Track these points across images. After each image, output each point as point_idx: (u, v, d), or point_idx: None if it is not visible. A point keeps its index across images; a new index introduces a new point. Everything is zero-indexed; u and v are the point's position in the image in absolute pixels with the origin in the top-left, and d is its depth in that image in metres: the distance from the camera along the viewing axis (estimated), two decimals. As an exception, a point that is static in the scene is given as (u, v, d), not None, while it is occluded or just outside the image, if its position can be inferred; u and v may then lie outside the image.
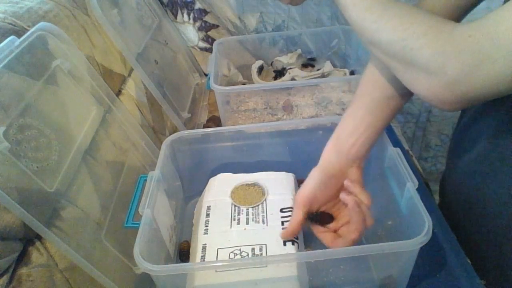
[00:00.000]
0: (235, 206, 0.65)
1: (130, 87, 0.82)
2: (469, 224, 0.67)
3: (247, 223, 0.62)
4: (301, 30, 1.07)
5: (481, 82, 0.38)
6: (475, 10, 0.98)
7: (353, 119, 0.56)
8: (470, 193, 0.62)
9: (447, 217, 0.68)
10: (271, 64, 1.06)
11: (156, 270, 0.47)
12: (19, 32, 0.57)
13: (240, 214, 0.63)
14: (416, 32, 0.41)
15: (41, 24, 0.58)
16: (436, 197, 0.77)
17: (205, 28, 1.12)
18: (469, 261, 0.61)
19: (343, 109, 0.88)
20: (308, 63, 1.04)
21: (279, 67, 1.02)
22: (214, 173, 0.73)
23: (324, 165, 0.57)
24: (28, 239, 0.49)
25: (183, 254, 0.65)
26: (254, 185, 0.68)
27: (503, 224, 0.61)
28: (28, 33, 0.55)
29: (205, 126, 0.99)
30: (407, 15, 0.42)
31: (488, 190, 0.58)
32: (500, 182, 0.55)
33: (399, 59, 0.43)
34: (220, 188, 0.69)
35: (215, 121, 0.99)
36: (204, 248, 0.58)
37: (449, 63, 0.39)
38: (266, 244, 0.57)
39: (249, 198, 0.66)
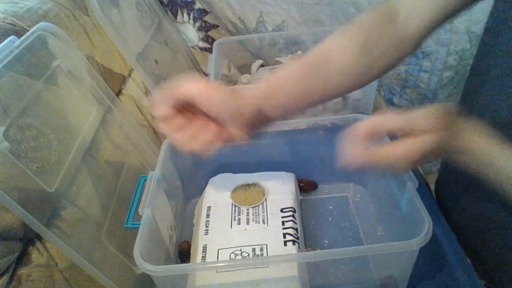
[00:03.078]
0: (235, 206, 0.65)
1: (130, 87, 0.82)
2: (468, 224, 0.67)
3: (248, 223, 0.62)
4: (301, 30, 1.07)
5: None
6: (473, 9, 0.98)
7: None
8: (468, 192, 0.62)
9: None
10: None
11: (156, 270, 0.47)
12: (19, 32, 0.57)
13: (241, 214, 0.63)
14: None
15: (41, 24, 0.58)
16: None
17: (205, 28, 1.12)
18: (469, 261, 0.61)
19: (343, 108, 0.88)
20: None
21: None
22: (214, 173, 0.73)
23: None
24: (28, 239, 0.49)
25: (183, 254, 0.65)
26: (254, 185, 0.68)
27: (503, 223, 0.61)
28: (28, 33, 0.55)
29: (205, 126, 0.98)
30: None
31: (487, 189, 0.58)
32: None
33: None
34: (220, 188, 0.69)
35: (215, 121, 0.99)
36: (204, 249, 0.58)
37: None
38: (266, 244, 0.57)
39: (249, 198, 0.66)
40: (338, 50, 0.52)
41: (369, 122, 0.43)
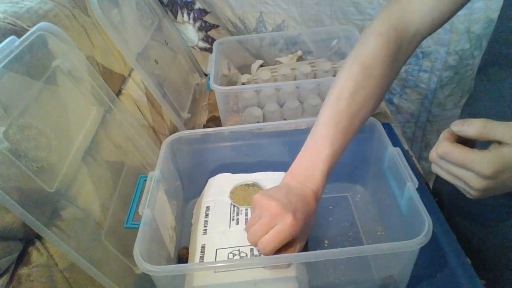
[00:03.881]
0: (234, 206, 0.65)
1: (130, 87, 0.82)
2: (468, 224, 0.68)
3: (246, 223, 0.61)
4: (301, 30, 1.07)
5: None
6: (473, 9, 0.98)
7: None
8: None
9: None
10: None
11: (156, 270, 0.47)
12: (19, 32, 0.57)
13: (239, 214, 0.63)
14: None
15: (41, 24, 0.58)
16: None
17: (205, 28, 1.12)
18: (469, 261, 0.61)
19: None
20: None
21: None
22: (214, 173, 0.73)
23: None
24: (28, 239, 0.49)
25: (182, 261, 0.64)
26: (254, 185, 0.68)
27: (503, 223, 0.61)
28: (28, 33, 0.55)
29: (205, 126, 0.99)
30: None
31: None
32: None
33: None
34: (219, 188, 0.69)
35: (215, 121, 0.99)
36: (203, 249, 0.58)
37: None
38: (266, 244, 0.57)
39: (248, 199, 0.66)
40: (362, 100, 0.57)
41: (452, 127, 0.44)
